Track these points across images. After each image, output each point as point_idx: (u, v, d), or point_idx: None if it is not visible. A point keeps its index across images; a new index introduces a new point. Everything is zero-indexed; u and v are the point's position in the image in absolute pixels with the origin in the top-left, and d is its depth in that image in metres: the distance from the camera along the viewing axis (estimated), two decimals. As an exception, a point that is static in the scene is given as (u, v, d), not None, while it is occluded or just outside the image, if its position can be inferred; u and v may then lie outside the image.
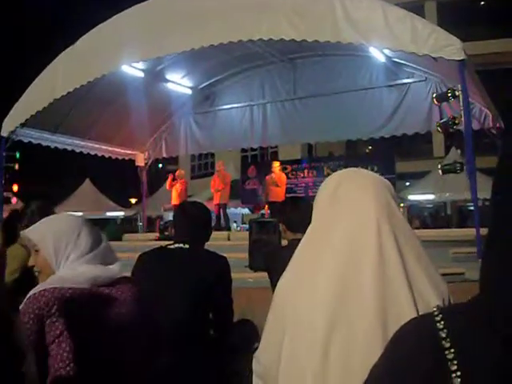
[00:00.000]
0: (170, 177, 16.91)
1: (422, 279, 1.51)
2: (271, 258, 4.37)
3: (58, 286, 2.33)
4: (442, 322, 0.86)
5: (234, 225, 22.37)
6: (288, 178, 18.54)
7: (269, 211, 16.15)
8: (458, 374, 0.79)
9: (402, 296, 1.46)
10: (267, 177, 15.78)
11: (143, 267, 3.57)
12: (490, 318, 0.80)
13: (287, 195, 15.16)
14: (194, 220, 3.74)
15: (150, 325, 2.71)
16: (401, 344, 0.93)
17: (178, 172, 17.17)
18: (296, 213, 4.18)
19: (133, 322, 2.50)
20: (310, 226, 1.73)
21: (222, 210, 16.36)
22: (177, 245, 3.61)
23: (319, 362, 1.46)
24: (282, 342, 1.60)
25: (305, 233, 1.74)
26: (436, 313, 0.89)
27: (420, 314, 1.38)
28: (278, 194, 15.19)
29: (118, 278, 2.57)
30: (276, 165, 15.90)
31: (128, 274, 3.43)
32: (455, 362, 0.80)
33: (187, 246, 3.57)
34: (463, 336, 0.83)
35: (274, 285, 4.28)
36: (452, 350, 0.81)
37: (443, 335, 0.84)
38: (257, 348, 1.84)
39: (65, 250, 2.45)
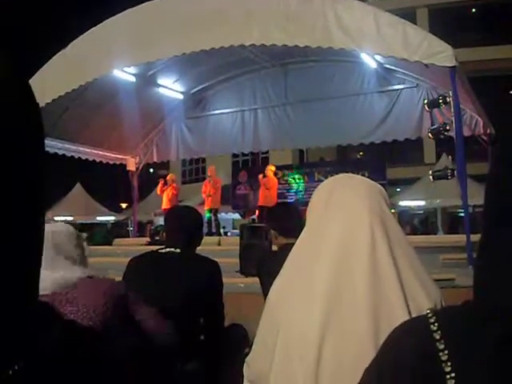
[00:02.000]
0: (161, 182, 16.91)
1: (414, 283, 1.51)
2: (262, 263, 4.36)
3: None
4: (436, 324, 0.86)
5: (224, 230, 22.36)
6: (279, 183, 18.57)
7: (258, 215, 16.11)
8: (453, 375, 0.79)
9: (394, 299, 1.46)
10: (260, 176, 16.07)
11: (134, 272, 3.56)
12: (483, 319, 0.80)
13: (278, 200, 15.18)
14: (186, 224, 3.74)
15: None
16: (394, 346, 0.93)
17: (168, 176, 17.15)
18: (288, 218, 4.18)
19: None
20: (304, 230, 1.73)
21: (213, 215, 16.36)
22: (168, 249, 3.60)
23: (311, 366, 1.46)
24: (273, 349, 1.59)
25: (297, 237, 1.75)
26: (430, 314, 0.89)
27: (412, 316, 1.39)
28: (268, 198, 15.26)
29: (81, 279, 2.51)
30: (270, 168, 15.99)
31: (119, 278, 3.42)
32: (449, 364, 0.80)
33: (178, 250, 3.57)
34: (457, 338, 0.83)
35: (265, 290, 4.29)
36: (446, 352, 0.81)
37: (437, 337, 0.84)
38: (248, 353, 1.84)
39: None
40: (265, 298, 4.22)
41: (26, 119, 0.67)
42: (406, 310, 1.45)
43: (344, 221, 1.61)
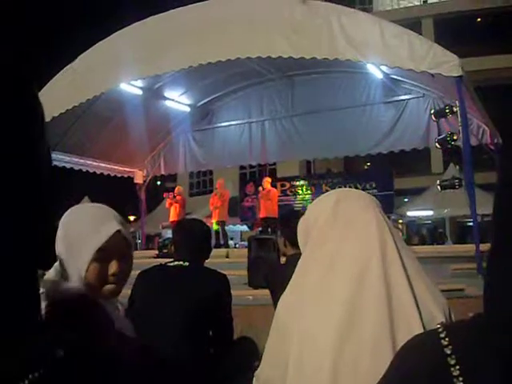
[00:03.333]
0: (170, 196, 16.91)
1: (424, 292, 1.52)
2: (272, 275, 4.35)
3: None
4: (447, 339, 0.86)
5: (232, 242, 22.32)
6: (286, 194, 18.56)
7: (262, 227, 16.05)
8: None
9: (408, 309, 1.47)
10: (259, 193, 16.07)
11: (143, 285, 3.55)
12: (494, 333, 0.79)
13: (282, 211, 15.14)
14: (194, 237, 3.73)
15: None
16: (405, 361, 0.92)
17: (176, 189, 17.14)
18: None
19: None
20: (310, 243, 1.72)
21: (220, 228, 16.35)
22: (176, 262, 3.60)
23: (327, 377, 1.46)
24: (286, 361, 1.58)
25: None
26: (440, 329, 0.89)
27: (425, 325, 1.39)
28: (269, 208, 15.29)
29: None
30: (267, 180, 15.98)
31: (128, 291, 3.42)
32: (461, 379, 0.80)
33: (187, 263, 3.56)
34: (468, 353, 0.82)
35: (275, 302, 4.27)
36: (457, 367, 0.81)
37: (448, 352, 0.83)
38: (257, 366, 1.83)
39: None
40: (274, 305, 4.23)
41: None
42: (419, 320, 1.45)
43: (355, 233, 1.61)
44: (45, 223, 0.73)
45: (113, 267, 1.98)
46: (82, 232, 1.93)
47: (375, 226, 1.60)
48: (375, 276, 1.50)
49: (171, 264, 3.62)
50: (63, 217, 1.97)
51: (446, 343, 0.85)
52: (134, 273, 3.68)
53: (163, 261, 3.82)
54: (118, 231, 1.97)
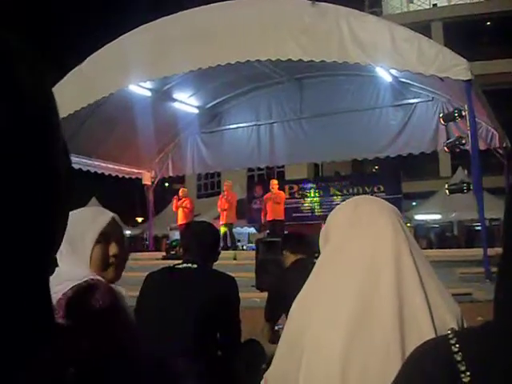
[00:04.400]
0: (175, 198, 16.87)
1: (437, 298, 1.52)
2: (278, 277, 4.46)
3: None
4: (457, 345, 0.85)
5: (239, 244, 22.31)
6: (294, 197, 18.54)
7: (270, 229, 15.96)
8: None
9: (420, 315, 1.46)
10: (265, 196, 15.89)
11: (151, 287, 3.55)
12: (505, 340, 0.79)
13: (293, 215, 15.14)
14: (203, 240, 3.74)
15: None
16: (415, 367, 0.92)
17: (181, 191, 17.09)
18: (299, 239, 4.59)
19: None
20: (327, 248, 1.73)
21: (228, 230, 16.33)
22: (185, 264, 3.60)
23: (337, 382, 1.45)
24: (296, 365, 1.58)
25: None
26: (451, 336, 0.89)
27: (437, 330, 1.38)
28: (278, 211, 15.22)
29: None
30: (274, 183, 15.89)
31: (136, 293, 3.42)
32: None
33: (195, 265, 3.56)
34: (478, 359, 0.82)
35: (271, 304, 4.42)
36: (468, 374, 0.81)
37: (458, 358, 0.83)
38: (265, 369, 1.83)
39: None
40: (265, 311, 4.33)
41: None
42: (431, 326, 1.44)
43: (368, 236, 1.61)
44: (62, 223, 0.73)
45: (113, 248, 2.21)
46: (82, 223, 2.15)
47: (390, 231, 1.60)
48: (387, 280, 1.50)
49: (179, 266, 3.62)
50: None
51: (456, 349, 0.85)
52: (142, 274, 3.70)
53: (171, 262, 3.82)
54: (113, 218, 2.27)
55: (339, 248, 1.67)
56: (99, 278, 2.03)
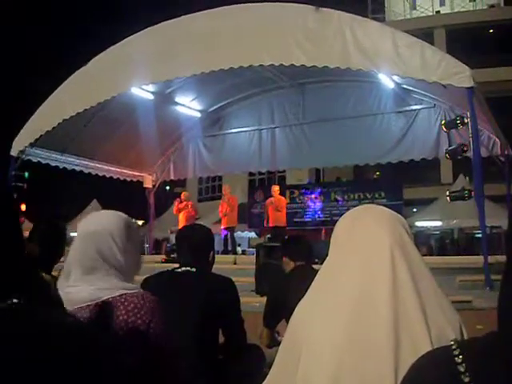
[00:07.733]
0: (177, 201, 16.83)
1: (435, 308, 1.50)
2: (277, 283, 4.47)
3: None
4: (461, 356, 0.85)
5: (239, 248, 22.29)
6: (295, 202, 18.52)
7: (272, 235, 15.90)
8: None
9: (416, 325, 1.45)
10: (267, 201, 15.87)
11: (150, 291, 3.55)
12: (507, 346, 0.79)
13: (294, 219, 15.10)
14: (193, 243, 3.74)
15: None
16: (418, 377, 0.91)
17: (183, 194, 17.06)
18: (298, 246, 4.55)
19: None
20: (328, 258, 1.73)
21: (229, 234, 16.30)
22: (184, 268, 3.60)
23: None
24: (295, 370, 1.58)
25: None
26: (454, 346, 0.88)
27: (433, 340, 1.38)
28: (279, 218, 15.23)
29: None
30: (276, 189, 15.84)
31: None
32: None
33: (194, 269, 3.56)
34: (482, 371, 0.82)
35: (270, 310, 4.42)
36: None
37: (462, 369, 0.83)
38: (266, 373, 1.83)
39: None
40: (263, 317, 4.34)
41: None
42: (427, 336, 1.43)
43: (365, 246, 1.61)
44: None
45: None
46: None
47: (387, 239, 1.59)
48: (383, 297, 1.49)
49: (179, 270, 3.62)
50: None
51: (459, 360, 0.85)
52: (141, 278, 3.69)
53: (171, 266, 3.83)
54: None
55: (337, 259, 1.67)
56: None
